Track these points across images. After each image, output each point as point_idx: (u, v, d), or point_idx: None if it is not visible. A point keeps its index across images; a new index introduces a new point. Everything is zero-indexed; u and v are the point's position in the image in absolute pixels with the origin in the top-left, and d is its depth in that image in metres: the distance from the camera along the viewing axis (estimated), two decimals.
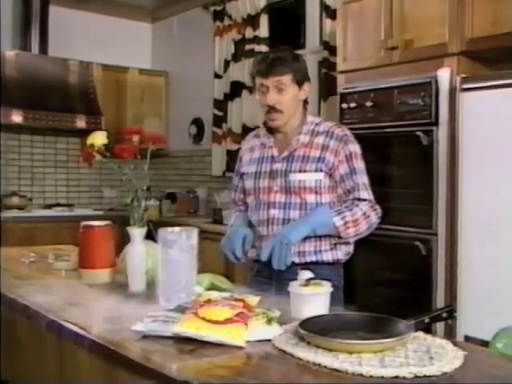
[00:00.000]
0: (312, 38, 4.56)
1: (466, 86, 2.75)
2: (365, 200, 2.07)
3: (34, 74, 5.05)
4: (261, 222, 2.12)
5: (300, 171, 2.06)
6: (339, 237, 2.04)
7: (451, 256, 2.84)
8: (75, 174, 5.75)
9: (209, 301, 1.46)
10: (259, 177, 2.14)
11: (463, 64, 2.91)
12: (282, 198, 2.08)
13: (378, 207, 2.10)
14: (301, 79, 2.09)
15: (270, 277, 2.06)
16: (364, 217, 2.03)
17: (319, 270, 1.84)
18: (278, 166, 2.10)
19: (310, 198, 2.05)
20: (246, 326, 1.34)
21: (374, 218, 2.07)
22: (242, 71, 4.87)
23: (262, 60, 2.09)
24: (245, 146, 2.31)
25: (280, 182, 2.08)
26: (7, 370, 1.92)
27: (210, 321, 1.32)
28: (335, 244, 2.09)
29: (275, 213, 2.08)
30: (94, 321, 1.55)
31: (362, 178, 2.09)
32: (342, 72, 3.54)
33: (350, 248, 2.14)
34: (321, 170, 2.05)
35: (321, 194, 2.06)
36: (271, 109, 2.07)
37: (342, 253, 2.12)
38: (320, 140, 2.09)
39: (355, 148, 2.11)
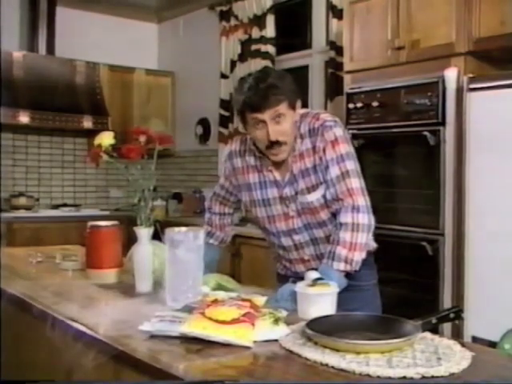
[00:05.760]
0: (318, 37, 4.55)
1: (473, 85, 2.74)
2: (345, 198, 1.83)
3: (41, 74, 5.07)
4: (287, 248, 2.01)
5: (307, 189, 1.89)
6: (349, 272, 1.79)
7: (458, 256, 2.83)
8: (82, 175, 5.77)
9: (216, 301, 1.46)
10: (269, 204, 1.97)
11: (470, 64, 2.90)
12: (300, 222, 1.94)
13: (358, 198, 1.83)
14: (294, 101, 1.85)
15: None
16: (352, 232, 1.79)
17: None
18: (286, 191, 1.92)
19: (325, 214, 1.91)
20: (252, 326, 1.34)
21: (361, 218, 1.81)
22: (248, 71, 4.85)
23: (254, 93, 1.78)
24: (231, 164, 2.04)
25: (295, 207, 1.92)
26: (13, 370, 1.92)
27: (216, 321, 1.33)
28: None
29: (299, 238, 1.96)
30: (102, 320, 1.55)
31: (341, 167, 1.84)
32: (348, 72, 3.54)
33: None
34: (321, 182, 1.87)
35: (331, 206, 1.90)
36: (274, 143, 1.83)
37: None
38: (307, 144, 1.89)
39: (330, 135, 1.85)
